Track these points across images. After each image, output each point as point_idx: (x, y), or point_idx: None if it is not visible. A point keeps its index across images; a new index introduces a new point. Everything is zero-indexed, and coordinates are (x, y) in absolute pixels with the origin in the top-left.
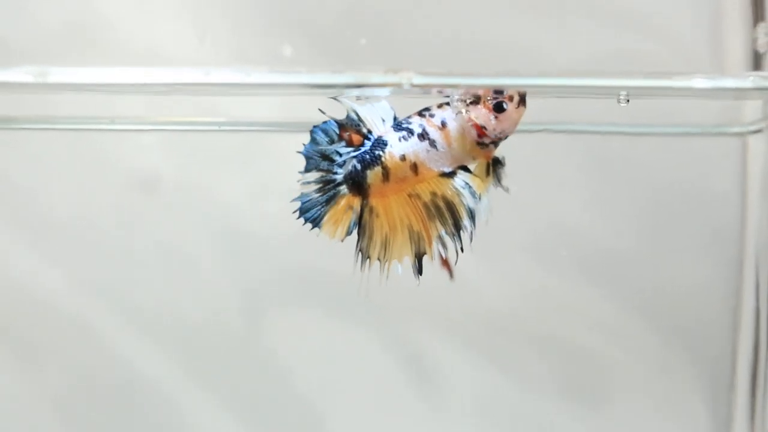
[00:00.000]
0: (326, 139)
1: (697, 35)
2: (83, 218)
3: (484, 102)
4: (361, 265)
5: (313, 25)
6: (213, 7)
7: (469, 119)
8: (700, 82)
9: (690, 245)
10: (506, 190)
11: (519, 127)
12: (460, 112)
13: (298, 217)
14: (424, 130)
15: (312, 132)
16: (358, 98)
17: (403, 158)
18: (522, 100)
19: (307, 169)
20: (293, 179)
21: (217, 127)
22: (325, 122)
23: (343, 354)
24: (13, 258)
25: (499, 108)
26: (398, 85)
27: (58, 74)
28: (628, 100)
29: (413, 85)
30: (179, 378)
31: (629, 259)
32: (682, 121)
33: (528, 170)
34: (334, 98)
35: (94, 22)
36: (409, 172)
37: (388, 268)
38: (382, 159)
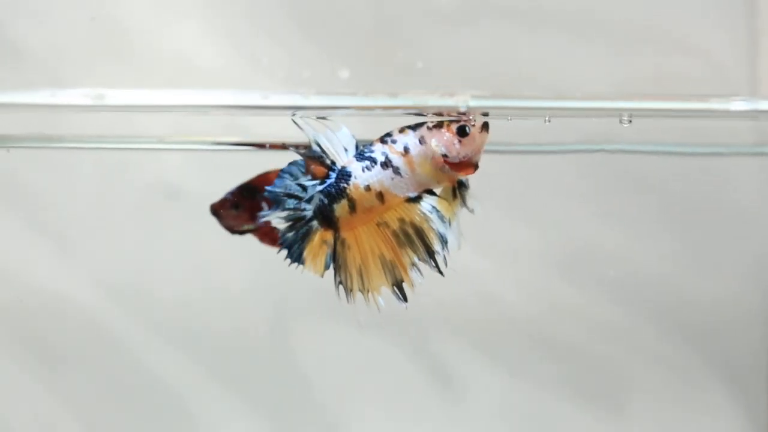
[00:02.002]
0: (290, 178)
1: (735, 57)
2: (109, 228)
3: (447, 126)
4: (347, 298)
5: (367, 47)
6: (259, 27)
7: (432, 145)
8: (738, 105)
9: (718, 262)
10: (471, 211)
11: (556, 147)
12: (422, 137)
13: (285, 258)
14: (386, 157)
15: (280, 173)
16: (321, 118)
17: (368, 188)
18: (485, 125)
19: (274, 209)
20: None
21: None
22: (292, 162)
23: (367, 363)
24: (39, 266)
25: (462, 132)
26: (454, 108)
27: (115, 96)
28: (630, 121)
29: (470, 108)
30: (204, 386)
31: (653, 275)
32: (710, 139)
33: (553, 188)
34: (296, 123)
35: (117, 29)
36: (376, 201)
37: (373, 299)
38: (347, 191)
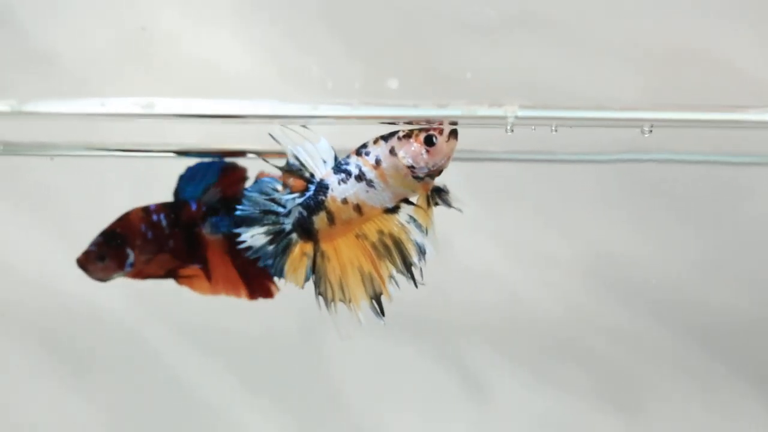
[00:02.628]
0: (262, 196)
1: (762, 67)
2: None
3: (416, 135)
4: (327, 308)
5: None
6: (304, 37)
7: (399, 156)
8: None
9: (741, 269)
10: (460, 210)
11: (589, 156)
12: (393, 148)
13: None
14: (360, 170)
15: (245, 192)
16: (303, 126)
17: (345, 201)
18: (453, 133)
19: (248, 228)
20: None
21: None
22: (257, 180)
23: (394, 367)
24: (69, 274)
25: (429, 141)
26: (502, 119)
27: (164, 105)
28: (651, 131)
29: (517, 118)
30: (232, 390)
31: (678, 282)
32: (736, 149)
33: (580, 195)
34: (273, 137)
35: (148, 36)
36: (354, 214)
37: (355, 310)
38: (325, 203)
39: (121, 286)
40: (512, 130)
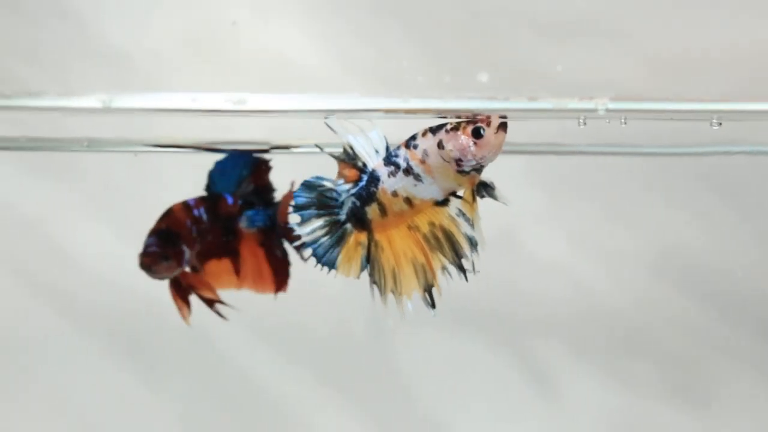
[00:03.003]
0: (311, 194)
1: None
2: None
3: (464, 128)
4: (381, 297)
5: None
6: (391, 29)
7: (447, 149)
8: None
9: None
10: (506, 203)
11: (655, 149)
12: (440, 141)
13: (315, 264)
14: (408, 164)
15: (295, 195)
16: (353, 122)
17: (395, 194)
18: (502, 125)
19: (303, 222)
20: None
21: None
22: (308, 179)
23: (464, 363)
24: (137, 271)
25: (477, 134)
26: (593, 111)
27: (255, 100)
28: (720, 124)
29: (608, 110)
30: (305, 391)
31: (746, 277)
32: None
33: (648, 188)
34: (330, 127)
35: (215, 31)
36: (405, 206)
37: (403, 302)
38: (377, 195)
39: None
40: (585, 123)
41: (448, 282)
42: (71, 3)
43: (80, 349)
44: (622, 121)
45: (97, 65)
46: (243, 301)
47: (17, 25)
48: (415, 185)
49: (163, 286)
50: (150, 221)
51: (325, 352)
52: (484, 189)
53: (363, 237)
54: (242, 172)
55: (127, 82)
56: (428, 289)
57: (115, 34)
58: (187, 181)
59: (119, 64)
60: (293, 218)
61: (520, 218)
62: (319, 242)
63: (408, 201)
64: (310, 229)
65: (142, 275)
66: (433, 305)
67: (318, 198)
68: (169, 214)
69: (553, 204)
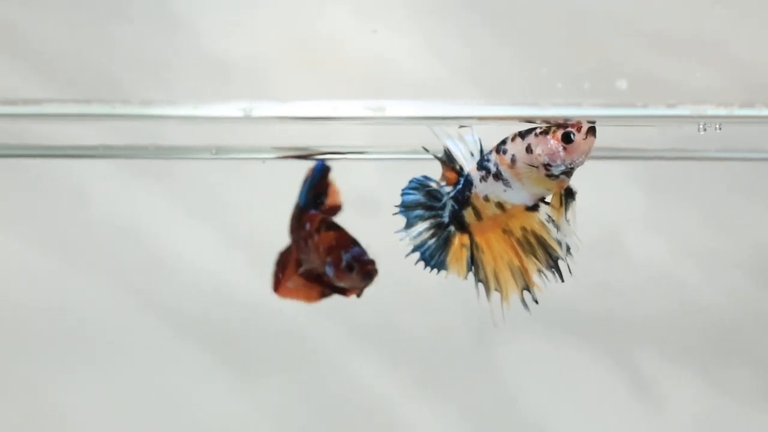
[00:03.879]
0: (418, 194)
1: None
2: None
3: (553, 132)
4: (487, 297)
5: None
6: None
7: (536, 154)
8: None
9: None
10: (567, 221)
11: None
12: (529, 146)
13: (424, 268)
14: (497, 169)
15: (403, 192)
16: (462, 126)
17: (486, 198)
18: (591, 130)
19: (410, 224)
20: None
21: None
22: (417, 177)
23: (567, 370)
24: (234, 276)
25: (567, 138)
26: (726, 118)
27: (395, 107)
28: None
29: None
30: (404, 394)
31: None
32: None
33: (752, 194)
34: (433, 131)
35: (316, 37)
36: (497, 210)
37: (507, 302)
38: (471, 199)
39: None
40: (705, 130)
41: (546, 286)
42: (177, 11)
43: (178, 354)
44: (717, 127)
45: (198, 75)
46: (343, 302)
47: (124, 33)
48: (505, 191)
49: (259, 292)
50: (247, 228)
51: (424, 354)
52: (568, 196)
53: (465, 239)
54: (316, 182)
55: (230, 90)
56: (526, 289)
57: (220, 42)
58: (278, 187)
59: (225, 72)
60: (400, 218)
61: (622, 221)
62: (427, 245)
63: (500, 206)
64: (417, 232)
65: (242, 281)
66: (535, 302)
67: (425, 198)
68: (337, 226)
69: (654, 207)
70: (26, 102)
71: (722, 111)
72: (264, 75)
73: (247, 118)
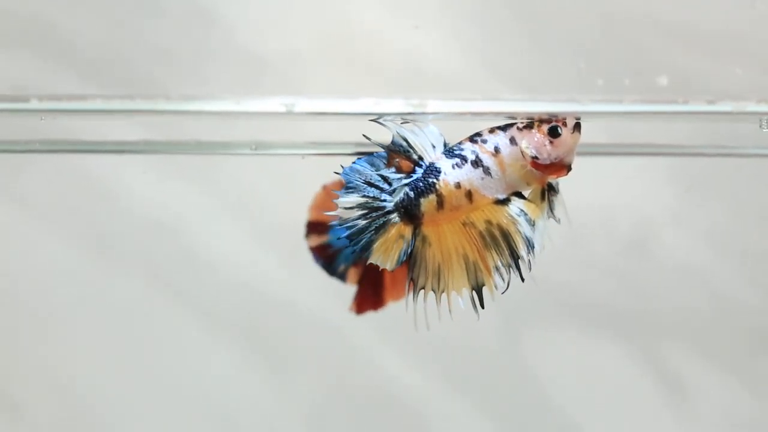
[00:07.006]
0: (371, 168)
1: None
2: None
3: (538, 126)
4: (414, 296)
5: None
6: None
7: (521, 146)
8: None
9: None
10: (557, 220)
11: None
12: (513, 138)
13: (348, 244)
14: (477, 156)
15: (354, 162)
16: (404, 121)
17: (457, 186)
18: (577, 126)
19: (347, 192)
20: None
21: None
22: (373, 153)
23: (599, 369)
24: (268, 272)
25: (553, 132)
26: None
27: (435, 105)
28: None
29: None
30: (436, 391)
31: None
32: None
33: None
34: (378, 122)
35: (350, 33)
36: (464, 200)
37: (448, 300)
38: (437, 187)
39: (319, 286)
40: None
41: (505, 282)
42: (213, 8)
43: (214, 349)
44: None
45: (232, 69)
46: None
47: (160, 29)
48: (483, 178)
49: (295, 288)
50: (282, 224)
51: (456, 349)
52: (550, 191)
53: (406, 231)
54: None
55: (263, 85)
56: (478, 287)
57: (257, 40)
58: (316, 184)
59: (259, 69)
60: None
61: (656, 217)
62: (354, 223)
63: (469, 195)
64: (349, 204)
65: (276, 278)
66: (482, 305)
67: (366, 181)
68: None
69: (688, 203)
70: (71, 98)
71: (764, 107)
72: (302, 71)
73: (289, 114)
